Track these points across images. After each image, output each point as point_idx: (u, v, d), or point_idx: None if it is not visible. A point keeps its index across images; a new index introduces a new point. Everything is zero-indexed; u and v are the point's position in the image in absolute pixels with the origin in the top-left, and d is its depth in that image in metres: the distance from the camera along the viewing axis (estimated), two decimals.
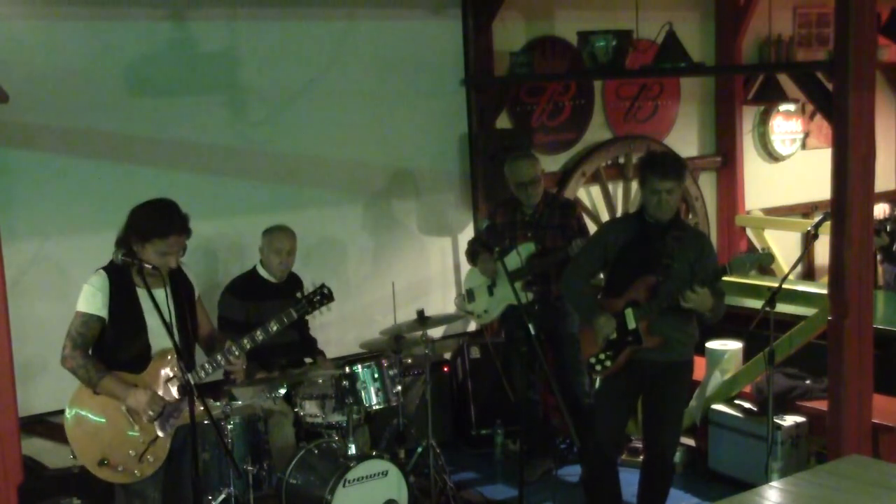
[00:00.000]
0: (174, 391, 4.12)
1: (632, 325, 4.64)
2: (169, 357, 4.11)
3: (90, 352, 4.05)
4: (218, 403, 4.91)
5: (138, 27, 5.61)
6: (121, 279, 4.07)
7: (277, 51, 6.04)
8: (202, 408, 3.99)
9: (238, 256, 5.85)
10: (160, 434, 4.11)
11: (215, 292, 5.51)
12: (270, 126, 6.07)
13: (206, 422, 4.45)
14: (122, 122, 5.60)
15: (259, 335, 4.32)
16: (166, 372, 4.13)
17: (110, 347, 4.08)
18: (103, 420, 4.08)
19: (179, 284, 4.19)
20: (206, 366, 4.19)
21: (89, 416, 4.09)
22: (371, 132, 6.41)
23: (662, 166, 4.58)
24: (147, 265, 3.92)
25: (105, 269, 4.11)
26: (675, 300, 4.52)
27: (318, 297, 4.49)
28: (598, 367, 4.76)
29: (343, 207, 6.40)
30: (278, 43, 6.04)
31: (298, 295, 4.48)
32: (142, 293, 4.05)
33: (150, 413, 4.05)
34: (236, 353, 4.21)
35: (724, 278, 4.60)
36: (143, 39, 5.63)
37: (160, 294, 3.99)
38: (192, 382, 3.85)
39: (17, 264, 5.05)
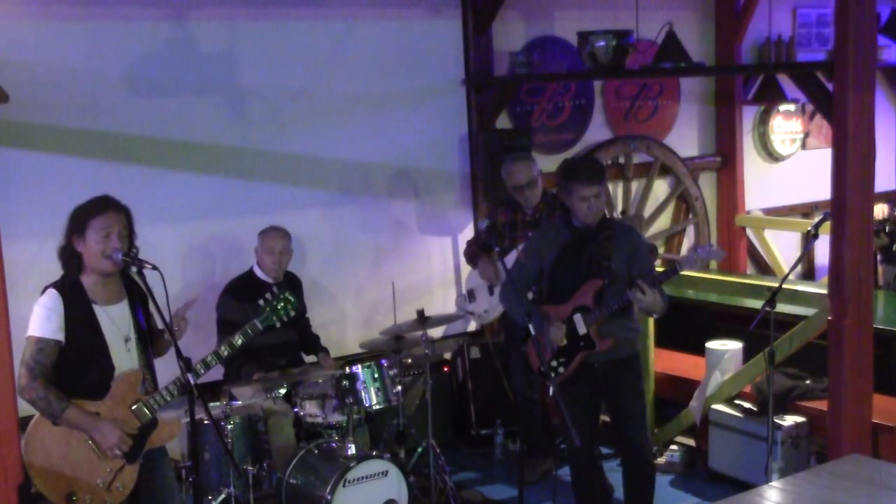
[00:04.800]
0: (141, 416, 3.86)
1: (582, 330, 4.66)
2: (132, 380, 3.85)
3: (49, 380, 3.73)
4: (218, 403, 4.92)
5: (138, 27, 5.61)
6: (75, 296, 3.78)
7: (277, 51, 6.04)
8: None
9: (237, 257, 5.84)
10: (128, 462, 3.85)
11: (214, 293, 5.51)
12: (270, 126, 6.07)
13: (206, 422, 4.44)
14: (122, 122, 5.60)
15: (224, 350, 4.03)
16: (131, 397, 3.85)
17: (68, 373, 3.77)
18: (66, 452, 3.77)
19: (135, 296, 3.94)
20: (171, 387, 3.88)
21: (51, 448, 3.77)
22: (371, 132, 6.41)
23: (586, 173, 4.63)
24: (147, 264, 3.75)
25: (56, 287, 3.80)
26: (624, 301, 4.57)
27: (282, 304, 4.17)
28: (552, 374, 4.73)
29: (343, 207, 6.40)
30: (278, 43, 6.04)
31: (261, 302, 4.19)
32: (99, 311, 3.81)
33: (118, 452, 3.79)
34: (202, 372, 3.95)
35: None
36: (143, 39, 5.63)
37: (117, 310, 3.84)
38: (193, 382, 3.70)
39: (17, 264, 5.04)
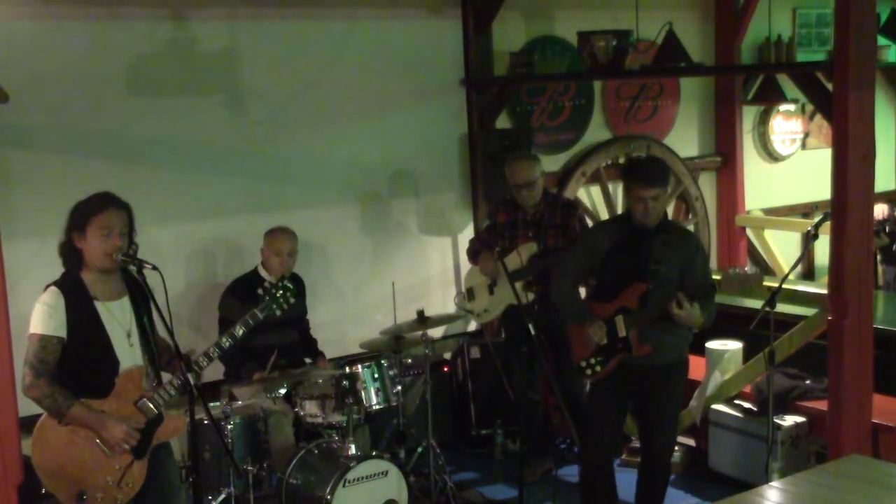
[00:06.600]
0: (146, 411, 3.86)
1: (622, 332, 4.62)
2: (136, 375, 3.85)
3: (53, 378, 3.73)
4: (218, 403, 4.92)
5: (138, 27, 5.61)
6: (76, 294, 3.78)
7: (277, 51, 6.04)
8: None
9: (238, 257, 5.84)
10: (136, 458, 3.86)
11: (215, 294, 5.51)
12: (270, 126, 6.07)
13: (206, 422, 4.44)
14: (122, 122, 5.60)
15: (225, 341, 4.02)
16: (135, 393, 3.85)
17: (73, 370, 3.77)
18: (73, 451, 3.78)
19: (137, 293, 3.93)
20: (175, 381, 3.89)
21: (58, 449, 3.77)
22: (371, 132, 6.41)
23: (646, 174, 4.55)
24: (147, 264, 3.76)
25: (57, 284, 3.81)
26: (665, 311, 4.49)
27: (281, 292, 4.19)
28: (589, 372, 4.74)
29: (343, 207, 6.40)
30: (278, 43, 6.04)
31: (260, 291, 4.23)
32: (101, 307, 3.80)
33: (126, 447, 3.80)
34: (204, 364, 3.97)
35: (718, 276, 4.61)
36: (143, 39, 5.62)
37: (118, 306, 3.83)
38: (192, 382, 3.73)
39: (18, 264, 5.04)
